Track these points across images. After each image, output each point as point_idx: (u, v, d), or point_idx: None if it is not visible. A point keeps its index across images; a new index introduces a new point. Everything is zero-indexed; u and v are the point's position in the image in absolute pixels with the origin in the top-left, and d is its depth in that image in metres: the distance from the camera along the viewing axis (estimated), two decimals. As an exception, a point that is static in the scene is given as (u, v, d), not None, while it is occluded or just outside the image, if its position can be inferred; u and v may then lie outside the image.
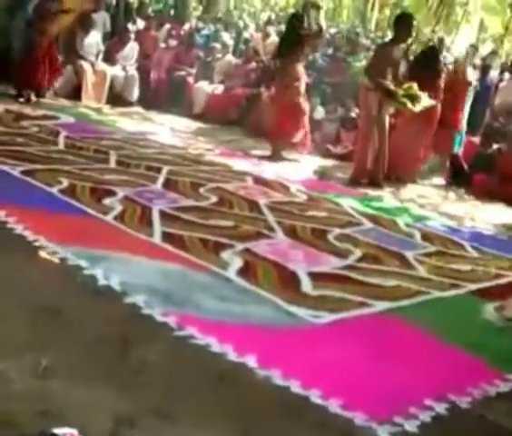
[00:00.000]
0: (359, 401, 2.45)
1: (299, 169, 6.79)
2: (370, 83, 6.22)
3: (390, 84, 6.15)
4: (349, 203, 5.54)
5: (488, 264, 4.35)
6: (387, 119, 6.32)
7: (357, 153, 6.64)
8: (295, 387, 2.48)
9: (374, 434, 2.26)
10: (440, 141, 6.93)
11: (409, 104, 6.16)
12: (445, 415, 2.44)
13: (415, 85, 6.22)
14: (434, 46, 8.20)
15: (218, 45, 10.33)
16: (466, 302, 3.69)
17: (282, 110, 7.13)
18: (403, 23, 6.35)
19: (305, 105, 7.31)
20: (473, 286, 3.87)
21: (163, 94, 9.81)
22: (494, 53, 10.48)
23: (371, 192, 6.15)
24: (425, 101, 6.26)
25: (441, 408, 2.48)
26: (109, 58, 9.66)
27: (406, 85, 6.19)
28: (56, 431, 1.08)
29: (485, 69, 9.07)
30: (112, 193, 4.72)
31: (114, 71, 9.55)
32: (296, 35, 7.03)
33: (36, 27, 8.16)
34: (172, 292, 3.19)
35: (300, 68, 7.20)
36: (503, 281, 4.07)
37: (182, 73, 10.00)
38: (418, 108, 6.20)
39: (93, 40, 9.39)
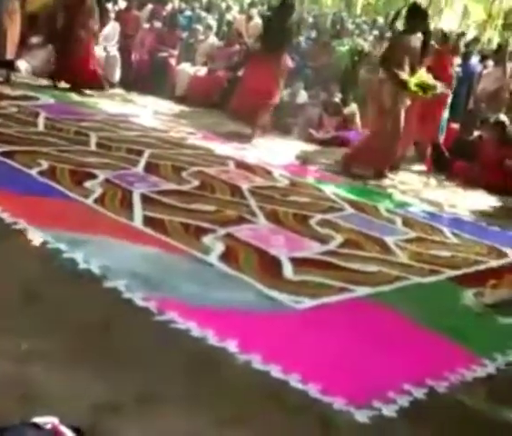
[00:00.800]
0: (338, 385, 2.47)
1: (281, 154, 6.78)
2: (385, 74, 6.09)
3: (404, 74, 6.05)
4: (331, 189, 5.55)
5: (468, 251, 4.39)
6: (402, 112, 6.17)
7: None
8: (275, 371, 2.50)
9: (352, 418, 2.28)
10: (425, 128, 6.97)
11: (421, 93, 6.11)
12: (423, 400, 2.47)
13: (424, 73, 6.19)
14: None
15: (200, 27, 10.24)
16: (445, 288, 3.72)
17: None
18: (417, 14, 6.21)
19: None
20: (452, 272, 3.91)
21: (145, 76, 9.70)
22: (477, 39, 10.53)
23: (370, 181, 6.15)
24: (437, 88, 6.26)
25: (419, 393, 2.50)
26: (90, 38, 9.50)
27: (417, 74, 6.12)
28: (37, 420, 1.07)
29: (467, 56, 9.11)
30: (92, 176, 4.67)
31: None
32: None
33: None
34: (152, 276, 3.18)
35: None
36: (482, 267, 4.12)
37: (165, 54, 9.89)
38: (429, 96, 6.21)
39: (74, 20, 9.23)
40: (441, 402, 2.49)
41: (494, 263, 4.22)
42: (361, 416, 2.30)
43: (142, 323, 2.74)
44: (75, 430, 1.02)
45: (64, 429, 1.01)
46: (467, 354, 2.89)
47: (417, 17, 6.23)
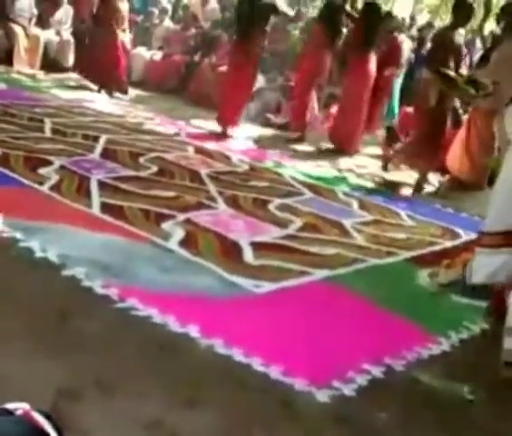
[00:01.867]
0: (299, 367, 2.51)
1: (239, 138, 6.79)
2: (430, 73, 5.80)
3: (451, 72, 5.76)
4: (289, 173, 5.59)
5: (423, 232, 4.51)
6: (448, 114, 5.93)
7: (405, 143, 6.28)
8: (237, 355, 2.52)
9: (313, 399, 2.33)
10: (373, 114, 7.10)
11: (472, 90, 5.63)
12: (381, 378, 2.54)
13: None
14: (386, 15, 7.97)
15: (156, 10, 10.11)
16: (401, 269, 3.82)
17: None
18: (462, 7, 5.85)
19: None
20: (408, 254, 4.01)
21: (100, 60, 9.51)
22: (430, 25, 10.68)
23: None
24: (488, 87, 6.11)
25: (377, 371, 2.57)
26: (42, 22, 9.29)
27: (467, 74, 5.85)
28: (8, 406, 1.06)
29: (420, 41, 9.26)
30: (47, 163, 4.59)
31: (48, 35, 9.21)
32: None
33: None
34: (112, 263, 3.15)
35: None
36: (436, 248, 4.23)
37: (120, 39, 9.70)
38: (481, 94, 5.98)
39: (25, 3, 8.99)
40: (398, 380, 2.56)
41: (448, 244, 4.34)
42: (322, 396, 2.35)
43: (103, 311, 2.72)
44: (47, 416, 1.02)
45: (35, 414, 1.01)
46: (423, 333, 2.97)
47: (460, 11, 5.82)
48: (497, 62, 4.83)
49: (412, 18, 12.04)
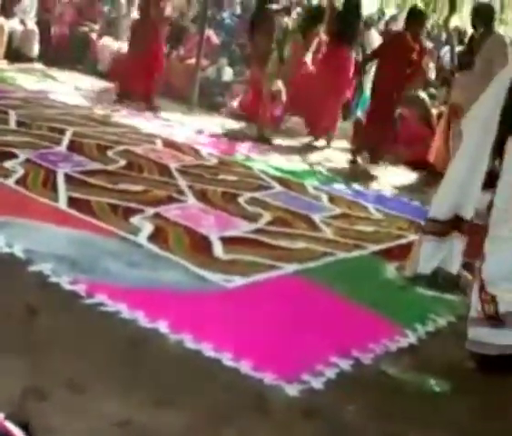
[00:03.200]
0: (268, 361, 2.52)
1: (208, 131, 6.76)
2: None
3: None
4: (259, 167, 5.60)
5: (390, 226, 4.56)
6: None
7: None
8: (207, 350, 2.52)
9: (283, 392, 2.35)
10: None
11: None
12: (349, 371, 2.57)
13: None
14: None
15: (123, 1, 9.98)
16: (369, 262, 3.86)
17: None
18: (482, 13, 5.73)
19: None
20: (376, 247, 4.06)
21: (66, 51, 9.38)
22: (394, 18, 10.75)
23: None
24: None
25: (345, 364, 2.60)
26: (6, 11, 9.08)
27: None
28: None
29: (386, 35, 9.33)
30: (12, 156, 4.50)
31: (12, 25, 9.00)
32: None
33: None
34: (80, 259, 3.11)
35: None
36: (403, 241, 4.29)
37: (85, 28, 9.59)
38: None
39: (-13, -9, 8.79)
40: (366, 373, 2.60)
41: (415, 237, 4.40)
42: (291, 390, 2.36)
43: (71, 307, 2.69)
44: (23, 426, 0.99)
45: (8, 424, 0.98)
46: (391, 325, 3.02)
47: (480, 18, 5.69)
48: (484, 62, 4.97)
49: (382, 12, 12.13)
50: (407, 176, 6.32)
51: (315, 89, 6.82)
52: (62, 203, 3.85)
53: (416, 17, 6.35)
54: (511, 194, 2.62)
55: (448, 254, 3.22)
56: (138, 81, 7.29)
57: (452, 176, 2.91)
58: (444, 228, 2.89)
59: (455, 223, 2.96)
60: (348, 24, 6.85)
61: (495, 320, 2.61)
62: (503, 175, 2.64)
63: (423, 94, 7.24)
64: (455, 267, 3.27)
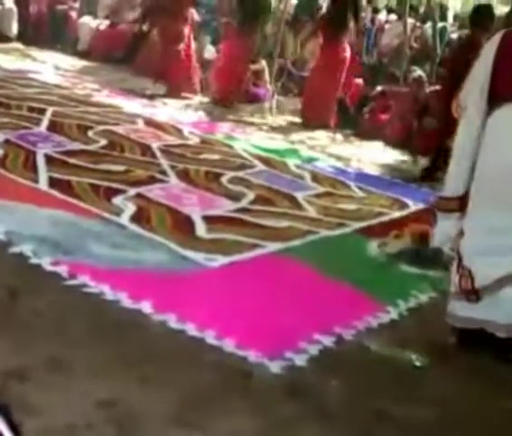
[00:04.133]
0: (252, 339, 2.54)
1: (190, 110, 6.72)
2: None
3: None
4: (241, 145, 5.58)
5: (372, 204, 4.58)
6: None
7: None
8: (191, 330, 2.53)
9: (267, 370, 2.36)
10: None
11: None
12: (332, 347, 2.59)
13: None
14: None
15: (103, -22, 9.82)
16: (351, 239, 3.88)
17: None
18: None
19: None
20: (358, 225, 4.07)
21: (45, 30, 9.25)
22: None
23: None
24: None
25: (328, 341, 2.62)
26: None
27: None
28: None
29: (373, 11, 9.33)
30: (-9, 137, 4.45)
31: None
32: None
33: None
34: (61, 240, 3.09)
35: None
36: (385, 218, 4.31)
37: (64, 7, 9.45)
38: None
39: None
40: (348, 349, 2.62)
41: (397, 215, 4.43)
42: (275, 367, 2.38)
43: (52, 288, 2.67)
44: (3, 408, 0.97)
45: None
46: (373, 302, 3.04)
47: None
48: None
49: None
50: (389, 154, 6.34)
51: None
52: (42, 184, 3.81)
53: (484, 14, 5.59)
54: (491, 169, 2.64)
55: (448, 234, 3.14)
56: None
57: (458, 152, 2.87)
58: (457, 204, 2.85)
59: (456, 203, 2.91)
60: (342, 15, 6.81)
61: (471, 294, 2.64)
62: (484, 148, 2.65)
63: (421, 73, 7.20)
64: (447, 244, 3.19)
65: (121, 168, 4.33)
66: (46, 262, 2.85)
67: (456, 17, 9.05)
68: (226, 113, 6.92)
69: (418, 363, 2.58)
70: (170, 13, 7.11)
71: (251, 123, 6.66)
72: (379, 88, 7.39)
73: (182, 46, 7.22)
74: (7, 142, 4.43)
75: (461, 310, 2.68)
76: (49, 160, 4.22)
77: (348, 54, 6.98)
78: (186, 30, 7.32)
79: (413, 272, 3.43)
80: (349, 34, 7.01)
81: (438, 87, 6.57)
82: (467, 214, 2.69)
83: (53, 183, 3.84)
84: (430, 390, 2.42)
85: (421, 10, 10.09)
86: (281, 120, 7.00)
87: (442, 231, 2.86)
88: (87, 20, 9.27)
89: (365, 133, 6.81)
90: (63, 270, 2.81)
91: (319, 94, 6.80)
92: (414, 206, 4.63)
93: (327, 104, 6.89)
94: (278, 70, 7.70)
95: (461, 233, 2.71)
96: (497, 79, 2.63)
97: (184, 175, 4.44)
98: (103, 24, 9.24)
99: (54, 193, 3.70)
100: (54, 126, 5.05)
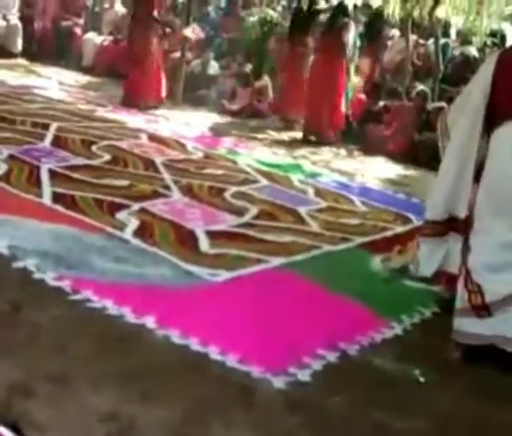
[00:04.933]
0: (255, 354, 2.53)
1: (194, 126, 6.74)
2: None
3: None
4: (245, 161, 5.59)
5: (376, 218, 4.58)
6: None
7: None
8: (194, 345, 2.52)
9: (270, 385, 2.35)
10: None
11: None
12: (335, 363, 2.59)
13: None
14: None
15: (106, -6, 9.92)
16: (355, 254, 3.87)
17: None
18: None
19: None
20: (361, 239, 4.07)
21: (49, 46, 9.31)
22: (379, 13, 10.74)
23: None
24: None
25: (332, 356, 2.61)
26: (-13, 6, 9.00)
27: None
28: None
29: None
30: (-4, 152, 4.47)
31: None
32: None
33: None
34: (65, 255, 3.10)
35: None
36: (389, 233, 4.31)
37: (69, 23, 9.52)
38: None
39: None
40: (352, 364, 2.61)
41: (400, 230, 4.43)
42: (278, 382, 2.37)
43: (56, 303, 2.68)
44: (11, 425, 0.98)
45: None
46: (377, 317, 3.03)
47: None
48: None
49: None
50: (392, 169, 6.34)
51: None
52: (46, 199, 3.82)
53: None
54: (495, 186, 2.64)
55: (446, 255, 3.15)
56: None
57: (443, 176, 2.89)
58: (440, 229, 2.87)
59: (451, 224, 2.93)
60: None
61: (481, 309, 2.63)
62: (489, 167, 2.65)
63: (424, 88, 7.22)
64: (454, 267, 3.20)
65: (124, 183, 4.34)
66: (49, 277, 2.86)
67: (458, 33, 9.06)
68: (231, 128, 6.95)
69: (421, 379, 2.57)
70: (136, 20, 7.18)
71: (254, 138, 6.68)
72: (381, 103, 7.42)
73: (143, 55, 7.15)
74: (12, 157, 4.45)
75: (470, 326, 2.66)
76: (53, 175, 4.24)
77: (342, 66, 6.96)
78: (153, 38, 7.27)
79: (417, 287, 3.41)
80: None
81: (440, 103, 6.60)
82: (474, 231, 2.68)
83: (56, 197, 3.85)
84: (432, 404, 2.41)
85: (424, 26, 10.13)
86: (284, 135, 7.02)
87: (433, 257, 2.86)
88: (92, 36, 9.33)
89: (368, 148, 6.82)
90: (66, 285, 2.81)
91: (315, 106, 6.81)
92: (417, 221, 4.62)
93: (322, 115, 6.88)
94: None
95: (468, 249, 2.70)
96: (496, 97, 2.63)
97: (188, 190, 4.45)
98: (108, 39, 9.31)
99: (58, 207, 3.72)
100: (57, 141, 5.08)
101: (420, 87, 7.20)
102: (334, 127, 6.92)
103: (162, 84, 7.43)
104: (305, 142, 6.81)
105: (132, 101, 7.10)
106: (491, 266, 2.62)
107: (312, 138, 6.87)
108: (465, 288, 2.68)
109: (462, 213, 2.81)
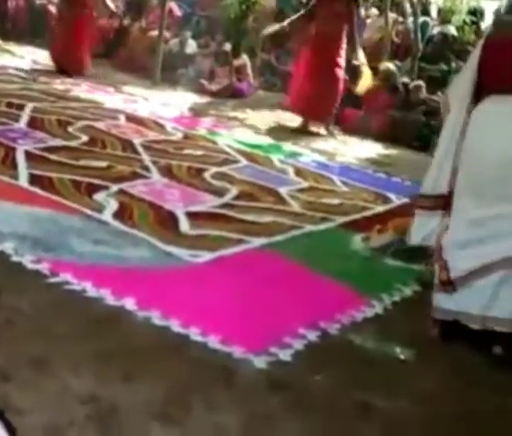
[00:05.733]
0: (236, 335, 2.52)
1: (173, 106, 6.67)
2: None
3: None
4: (224, 141, 5.55)
5: (356, 198, 4.59)
6: None
7: None
8: (175, 326, 2.51)
9: (251, 365, 2.35)
10: None
11: None
12: (316, 342, 2.59)
13: None
14: None
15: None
16: (335, 234, 3.88)
17: None
18: None
19: None
20: (342, 219, 4.08)
21: (23, 24, 9.12)
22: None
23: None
24: None
25: (313, 335, 2.62)
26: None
27: None
28: None
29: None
30: (-30, 134, 4.38)
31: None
32: None
33: None
34: (43, 237, 3.05)
35: None
36: (368, 213, 4.32)
37: (43, 1, 9.32)
38: None
39: None
40: (333, 344, 2.62)
41: (380, 209, 4.44)
42: (259, 362, 2.37)
43: (34, 287, 2.64)
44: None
45: None
46: (357, 296, 3.04)
47: None
48: None
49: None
50: (372, 148, 6.35)
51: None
52: (23, 181, 3.76)
53: None
54: (473, 162, 2.66)
55: (432, 230, 3.18)
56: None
57: (436, 151, 2.92)
58: (431, 203, 2.89)
59: (438, 200, 2.95)
60: None
61: (447, 285, 2.67)
62: (467, 142, 2.67)
63: (392, 66, 7.24)
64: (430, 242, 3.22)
65: (103, 164, 4.29)
66: (28, 260, 2.81)
67: (439, 12, 9.06)
68: (210, 108, 6.89)
69: (402, 357, 2.59)
70: None
71: (234, 118, 6.63)
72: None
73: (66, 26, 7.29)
74: (-14, 138, 4.36)
75: (442, 302, 2.70)
76: (29, 156, 4.16)
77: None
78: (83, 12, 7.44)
79: (397, 266, 3.44)
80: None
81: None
82: (452, 209, 2.71)
83: (33, 179, 3.79)
84: (415, 383, 2.43)
85: (403, 4, 10.11)
86: (265, 116, 6.97)
87: (422, 229, 2.88)
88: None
89: (349, 128, 6.82)
90: (44, 267, 2.77)
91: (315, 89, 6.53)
92: (397, 200, 4.65)
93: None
94: (261, 65, 7.68)
95: (446, 228, 2.73)
96: (482, 73, 2.66)
97: (167, 171, 4.41)
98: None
99: (35, 189, 3.66)
100: (33, 122, 4.99)
101: (385, 64, 7.20)
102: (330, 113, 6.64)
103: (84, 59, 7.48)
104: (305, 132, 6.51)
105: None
106: (459, 243, 2.66)
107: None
108: (437, 264, 2.72)
109: (445, 190, 2.84)
